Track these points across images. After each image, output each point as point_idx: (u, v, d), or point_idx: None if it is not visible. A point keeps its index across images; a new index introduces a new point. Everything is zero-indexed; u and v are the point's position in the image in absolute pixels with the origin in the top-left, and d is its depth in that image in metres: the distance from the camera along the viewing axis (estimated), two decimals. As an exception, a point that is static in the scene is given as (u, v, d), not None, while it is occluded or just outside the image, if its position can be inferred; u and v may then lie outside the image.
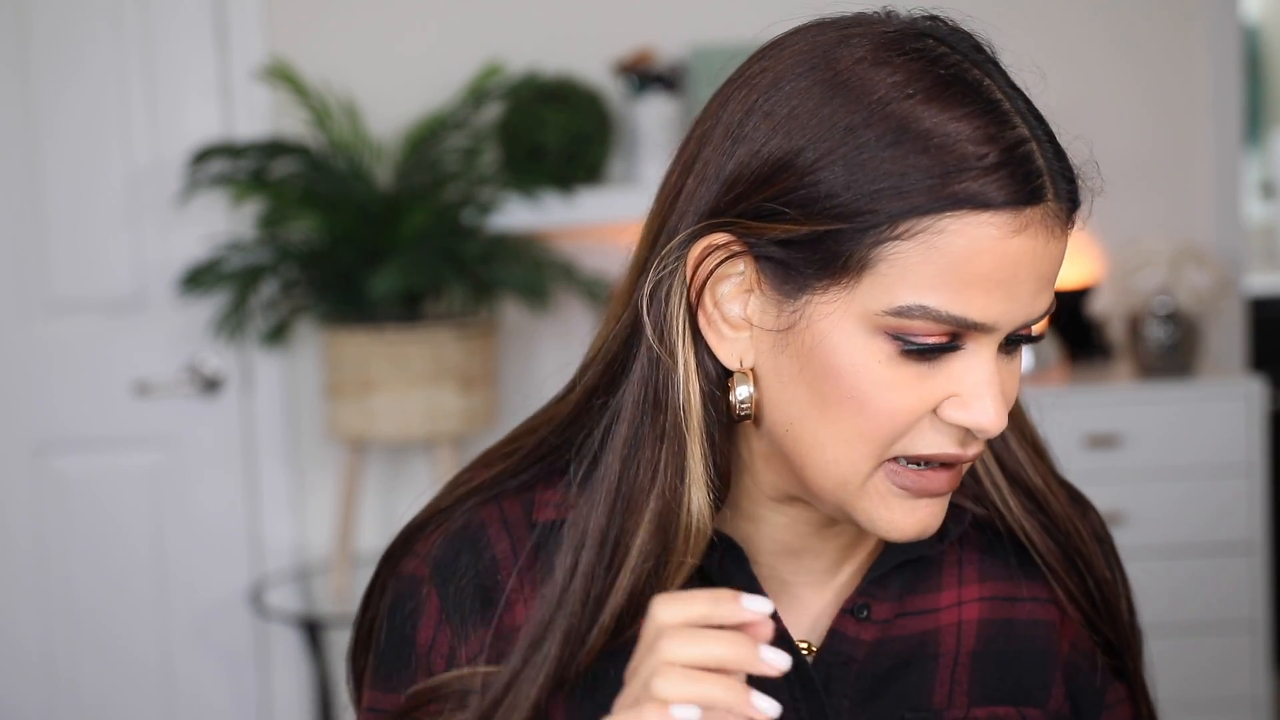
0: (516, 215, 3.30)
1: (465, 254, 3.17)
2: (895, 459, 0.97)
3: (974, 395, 0.95)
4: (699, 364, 0.99)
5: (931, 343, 0.94)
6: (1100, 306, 3.38)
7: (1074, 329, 3.51)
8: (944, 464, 0.98)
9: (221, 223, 3.43)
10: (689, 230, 0.98)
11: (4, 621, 3.48)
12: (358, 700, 1.12)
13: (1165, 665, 3.22)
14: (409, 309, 3.26)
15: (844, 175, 0.92)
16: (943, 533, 1.08)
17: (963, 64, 0.96)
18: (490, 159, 3.39)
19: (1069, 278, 3.55)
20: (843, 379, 0.95)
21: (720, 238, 0.97)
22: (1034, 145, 0.94)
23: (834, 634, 1.06)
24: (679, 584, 1.00)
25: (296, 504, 3.54)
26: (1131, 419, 3.25)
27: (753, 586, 1.04)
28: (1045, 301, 0.97)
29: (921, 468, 0.98)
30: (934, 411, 0.96)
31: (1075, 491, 1.16)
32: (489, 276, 3.19)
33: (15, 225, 3.43)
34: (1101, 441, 3.24)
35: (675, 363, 0.99)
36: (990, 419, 0.95)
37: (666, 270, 0.99)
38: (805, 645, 1.07)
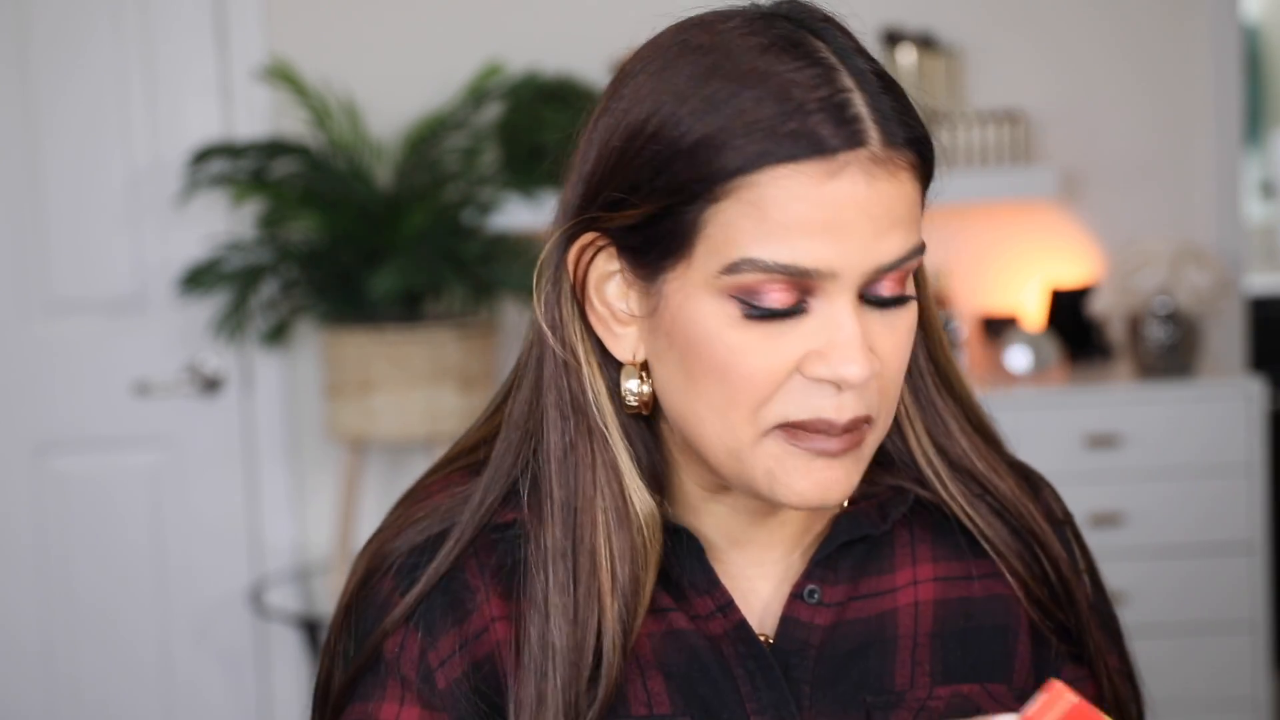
0: (516, 215, 3.30)
1: (465, 254, 3.17)
2: (778, 428, 0.99)
3: (832, 346, 0.96)
4: (600, 363, 1.03)
5: (774, 308, 0.96)
6: (1100, 306, 3.38)
7: (1074, 329, 3.51)
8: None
9: (221, 223, 3.43)
10: (559, 232, 1.03)
11: (4, 621, 3.48)
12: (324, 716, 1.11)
13: (1165, 665, 3.22)
14: (409, 309, 3.26)
15: (664, 154, 0.97)
16: (885, 513, 1.10)
17: (795, 33, 0.99)
18: (490, 159, 3.39)
19: (1069, 277, 3.55)
20: (702, 350, 0.98)
21: (588, 236, 1.02)
22: (854, 95, 0.96)
23: (787, 620, 1.07)
24: (653, 576, 1.03)
25: (296, 504, 3.54)
26: (1131, 419, 3.25)
27: (710, 577, 1.06)
28: (893, 246, 0.97)
29: (815, 433, 0.99)
30: (801, 372, 0.97)
31: (1028, 471, 1.16)
32: (489, 276, 3.19)
33: (15, 225, 3.43)
34: (1101, 441, 3.24)
35: (579, 364, 1.03)
36: (851, 370, 0.96)
37: (550, 276, 1.04)
38: (763, 637, 1.07)
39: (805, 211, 0.94)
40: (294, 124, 3.40)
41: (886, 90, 0.97)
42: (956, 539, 1.12)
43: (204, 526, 3.51)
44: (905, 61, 3.48)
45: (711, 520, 1.08)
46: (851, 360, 0.96)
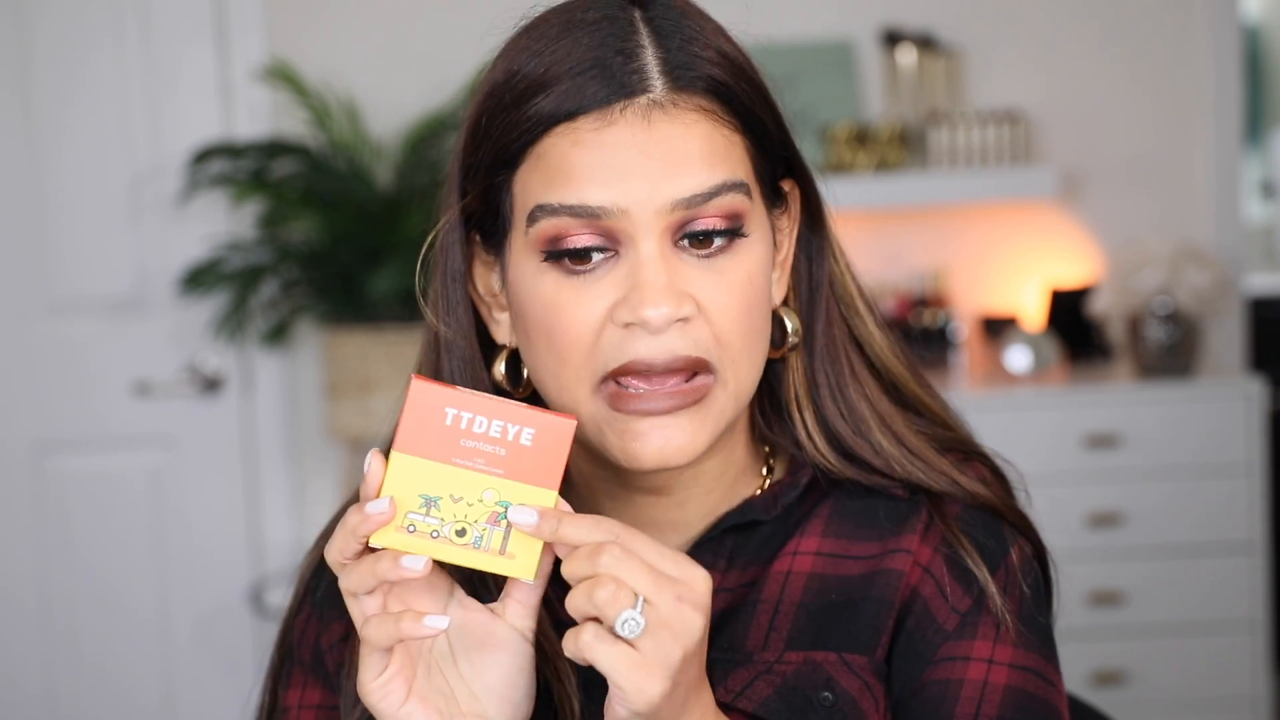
0: (516, 215, 3.30)
1: (465, 254, 3.17)
2: (607, 381, 1.01)
3: (634, 289, 0.99)
4: (482, 350, 1.10)
5: (567, 247, 1.00)
6: (1100, 306, 3.38)
7: (1074, 329, 3.51)
8: (656, 376, 1.00)
9: (222, 223, 3.43)
10: (442, 223, 1.08)
11: (3, 621, 3.48)
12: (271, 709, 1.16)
13: (1165, 665, 3.23)
14: (409, 309, 3.26)
15: (479, 137, 1.04)
16: (774, 498, 1.10)
17: (612, 11, 1.03)
18: (490, 159, 3.39)
19: (1069, 277, 3.55)
20: (529, 312, 1.02)
21: (473, 233, 1.09)
22: (644, 50, 1.01)
23: None
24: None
25: (296, 504, 3.54)
26: (1131, 419, 3.25)
27: None
28: (686, 182, 1.00)
29: (638, 390, 1.00)
30: (613, 321, 1.00)
31: (973, 456, 1.14)
32: (489, 276, 3.19)
33: (16, 225, 3.43)
34: (1101, 441, 3.24)
35: (465, 346, 1.09)
36: (650, 312, 0.98)
37: (440, 271, 1.10)
38: None
39: (584, 156, 0.99)
40: (294, 124, 3.40)
41: (695, 44, 1.02)
42: (867, 518, 1.10)
43: (204, 526, 3.51)
44: (905, 61, 3.48)
45: (610, 504, 1.10)
46: (650, 302, 0.98)
